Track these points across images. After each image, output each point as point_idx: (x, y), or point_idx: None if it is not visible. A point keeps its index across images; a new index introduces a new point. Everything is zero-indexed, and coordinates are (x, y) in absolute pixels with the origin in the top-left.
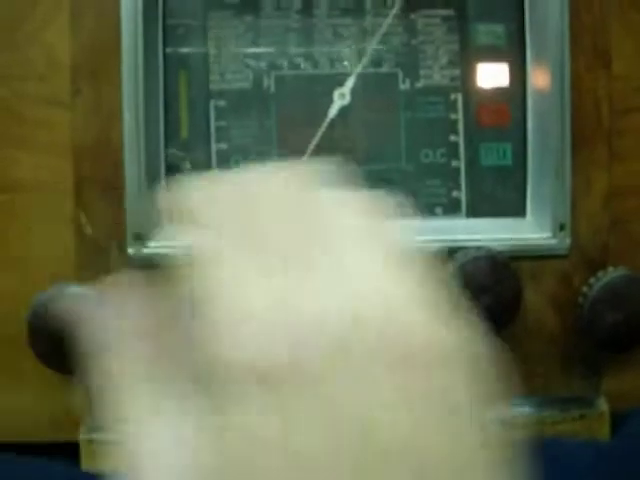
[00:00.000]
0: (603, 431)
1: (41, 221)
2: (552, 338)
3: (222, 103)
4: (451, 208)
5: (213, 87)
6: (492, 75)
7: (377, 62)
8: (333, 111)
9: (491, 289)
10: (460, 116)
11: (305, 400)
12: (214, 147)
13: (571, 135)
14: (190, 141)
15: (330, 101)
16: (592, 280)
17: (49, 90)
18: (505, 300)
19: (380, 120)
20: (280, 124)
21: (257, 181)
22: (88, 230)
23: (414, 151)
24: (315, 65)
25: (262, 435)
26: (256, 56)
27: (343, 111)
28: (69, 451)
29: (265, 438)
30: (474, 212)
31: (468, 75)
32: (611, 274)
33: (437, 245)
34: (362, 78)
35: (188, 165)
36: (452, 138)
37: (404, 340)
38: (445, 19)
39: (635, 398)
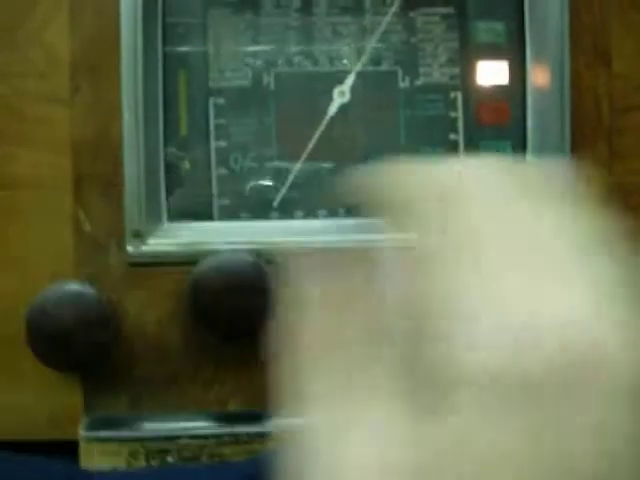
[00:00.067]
0: None
1: (40, 218)
2: None
3: (221, 101)
4: None
5: (212, 85)
6: (492, 73)
7: (377, 60)
8: (333, 109)
9: None
10: (460, 114)
11: (530, 410)
12: (213, 145)
13: (571, 133)
14: (189, 139)
15: (330, 99)
16: None
17: (49, 87)
18: None
19: (379, 118)
20: (280, 122)
21: (461, 175)
22: (87, 227)
23: (413, 149)
24: (315, 63)
25: (479, 439)
26: (255, 54)
27: (343, 109)
28: (68, 449)
29: (482, 443)
30: None
31: (468, 73)
32: None
33: None
34: (362, 76)
35: (187, 163)
36: (452, 136)
37: (610, 371)
38: (445, 17)
39: None
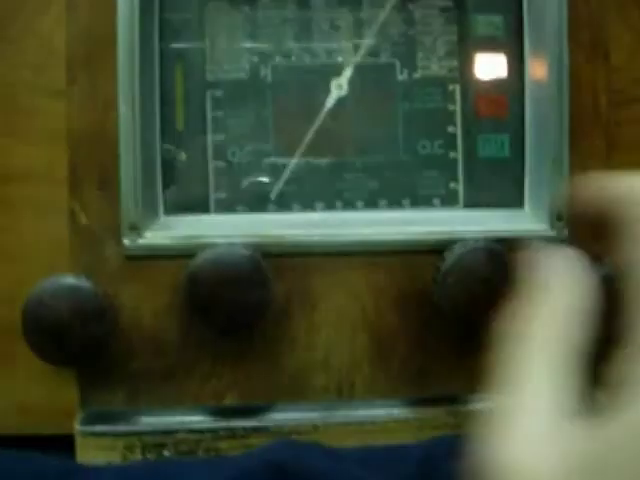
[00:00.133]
0: None
1: (35, 211)
2: None
3: (219, 93)
4: (448, 199)
5: (209, 77)
6: (490, 66)
7: (374, 53)
8: (330, 102)
9: (489, 280)
10: (458, 107)
11: None
12: (210, 138)
13: (569, 126)
14: (186, 131)
15: (327, 92)
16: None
17: (44, 79)
18: (503, 292)
19: (377, 111)
20: (277, 114)
21: None
22: (83, 220)
23: (411, 142)
24: (312, 56)
25: None
26: (253, 47)
27: (340, 102)
28: (63, 444)
29: None
30: (472, 203)
31: (466, 66)
32: (609, 266)
33: (434, 237)
34: (359, 69)
35: (184, 155)
36: (450, 129)
37: None
38: (443, 10)
39: None
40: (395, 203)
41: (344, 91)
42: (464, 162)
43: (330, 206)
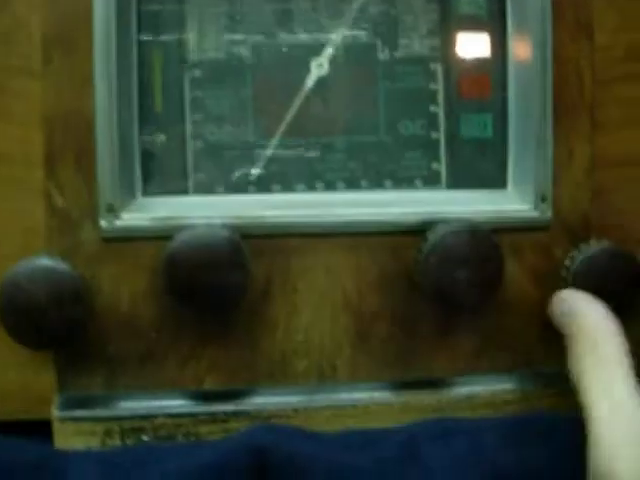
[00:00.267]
0: None
1: (10, 193)
2: (533, 312)
3: (197, 73)
4: (431, 180)
5: (188, 57)
6: (473, 45)
7: (355, 32)
8: (310, 81)
9: (471, 262)
10: (440, 87)
11: None
12: (189, 118)
13: (553, 106)
14: (164, 112)
15: (307, 71)
16: (574, 253)
17: (20, 59)
18: (486, 273)
19: (358, 91)
20: (256, 95)
21: None
22: (59, 202)
23: (393, 122)
24: (292, 35)
25: None
26: (232, 26)
27: (321, 82)
28: (41, 430)
29: None
30: (454, 184)
31: (448, 45)
32: (593, 247)
33: (416, 217)
34: (340, 48)
35: (162, 136)
36: (432, 109)
37: None
38: None
39: None
40: (377, 184)
41: (324, 71)
42: (446, 142)
43: (311, 187)
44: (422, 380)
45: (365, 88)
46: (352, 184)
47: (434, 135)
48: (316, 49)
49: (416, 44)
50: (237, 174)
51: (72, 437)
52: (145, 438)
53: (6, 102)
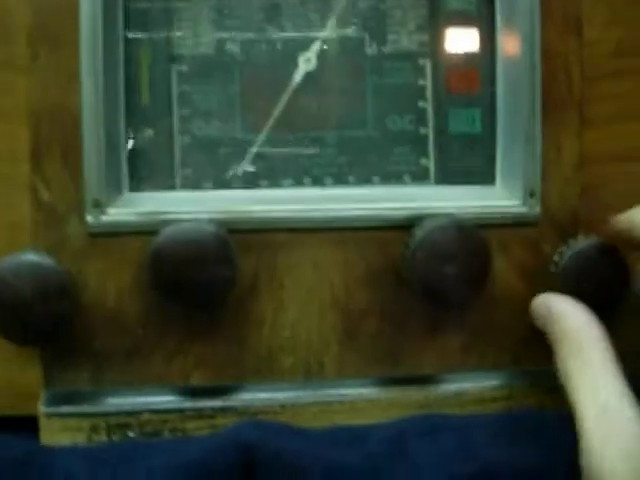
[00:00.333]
0: None
1: None
2: (522, 308)
3: (184, 68)
4: (419, 175)
5: (175, 52)
6: (462, 41)
7: (343, 27)
8: (298, 76)
9: (459, 257)
10: (428, 82)
11: None
12: (176, 113)
13: (541, 102)
14: (151, 107)
15: (295, 66)
16: (563, 248)
17: (5, 54)
18: (474, 269)
19: (346, 86)
20: (244, 89)
21: None
22: (45, 197)
23: (381, 118)
24: (280, 30)
25: None
26: (220, 21)
27: (308, 76)
28: (27, 426)
29: None
30: (442, 179)
31: (437, 40)
32: (582, 242)
33: (405, 213)
34: (328, 43)
35: (149, 131)
36: (420, 104)
37: None
38: None
39: None
40: (365, 179)
41: (312, 66)
42: (435, 138)
43: (298, 182)
44: (410, 376)
45: (353, 83)
46: (340, 179)
47: (422, 130)
48: (304, 44)
49: (405, 39)
50: (224, 169)
51: (58, 433)
52: (131, 434)
53: None
